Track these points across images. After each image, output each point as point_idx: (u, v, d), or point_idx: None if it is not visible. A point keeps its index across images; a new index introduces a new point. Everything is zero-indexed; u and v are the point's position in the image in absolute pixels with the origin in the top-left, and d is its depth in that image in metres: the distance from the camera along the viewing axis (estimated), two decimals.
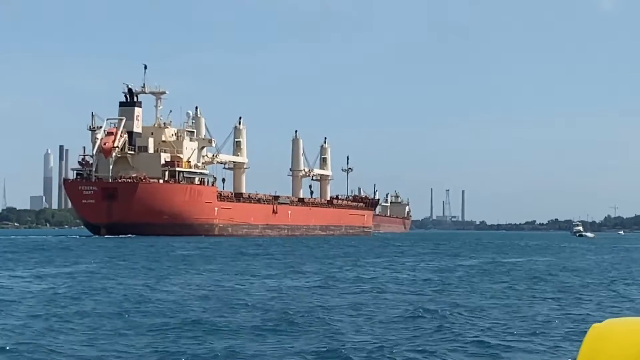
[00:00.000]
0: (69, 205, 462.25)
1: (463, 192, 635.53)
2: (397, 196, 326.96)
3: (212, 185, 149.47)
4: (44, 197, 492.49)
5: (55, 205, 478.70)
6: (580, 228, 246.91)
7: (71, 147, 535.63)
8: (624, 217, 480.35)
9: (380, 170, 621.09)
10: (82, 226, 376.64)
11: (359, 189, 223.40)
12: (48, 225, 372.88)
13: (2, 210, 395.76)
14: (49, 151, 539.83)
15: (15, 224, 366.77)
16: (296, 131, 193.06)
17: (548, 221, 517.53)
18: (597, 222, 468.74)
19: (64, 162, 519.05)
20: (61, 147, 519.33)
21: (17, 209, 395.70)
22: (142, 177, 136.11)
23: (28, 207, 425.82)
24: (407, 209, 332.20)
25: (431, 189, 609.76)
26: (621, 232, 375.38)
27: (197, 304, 29.71)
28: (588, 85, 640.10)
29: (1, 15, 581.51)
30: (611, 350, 3.06)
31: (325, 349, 19.60)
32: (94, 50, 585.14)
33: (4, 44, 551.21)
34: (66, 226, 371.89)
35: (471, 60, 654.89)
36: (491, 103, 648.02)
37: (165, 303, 29.86)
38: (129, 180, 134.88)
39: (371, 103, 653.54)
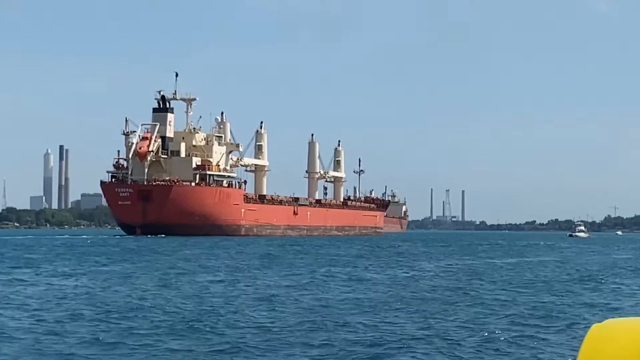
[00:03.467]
0: (69, 205, 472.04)
1: (463, 192, 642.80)
2: (393, 196, 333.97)
3: (239, 187, 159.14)
4: (44, 197, 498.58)
5: (55, 206, 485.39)
6: (583, 228, 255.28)
7: (71, 147, 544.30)
8: (624, 217, 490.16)
9: (379, 170, 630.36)
10: (83, 226, 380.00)
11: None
12: (48, 225, 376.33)
13: (2, 210, 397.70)
14: (49, 151, 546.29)
15: (16, 224, 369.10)
16: (312, 134, 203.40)
17: (548, 221, 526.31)
18: (597, 222, 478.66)
19: (64, 162, 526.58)
20: (61, 147, 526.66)
21: (17, 209, 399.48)
22: (175, 180, 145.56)
23: (28, 207, 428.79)
24: (404, 208, 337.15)
25: (431, 189, 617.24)
26: (619, 233, 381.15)
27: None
28: (588, 85, 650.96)
29: (2, 15, 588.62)
30: (611, 350, 3.11)
31: None
32: (95, 50, 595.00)
33: (4, 44, 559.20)
34: (66, 226, 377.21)
35: (470, 61, 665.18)
36: (491, 103, 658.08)
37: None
38: (163, 183, 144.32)
39: (370, 104, 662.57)
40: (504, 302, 33.45)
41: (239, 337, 23.17)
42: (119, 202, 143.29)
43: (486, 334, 23.96)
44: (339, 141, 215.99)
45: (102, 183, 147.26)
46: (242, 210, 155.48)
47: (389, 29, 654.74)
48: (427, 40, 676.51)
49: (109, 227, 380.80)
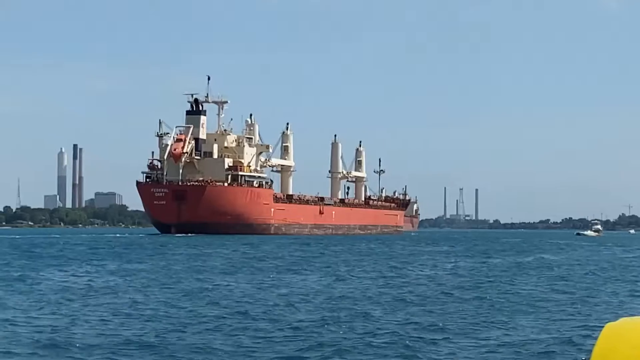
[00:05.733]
0: (83, 204, 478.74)
1: (477, 190, 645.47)
2: (404, 194, 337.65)
3: (269, 187, 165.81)
4: (57, 196, 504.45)
5: (69, 204, 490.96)
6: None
7: (85, 146, 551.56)
8: (639, 216, 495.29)
9: (392, 169, 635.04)
10: (96, 225, 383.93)
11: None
12: (62, 224, 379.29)
13: (17, 209, 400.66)
14: (63, 150, 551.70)
15: (30, 222, 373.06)
16: (335, 135, 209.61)
17: (562, 220, 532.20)
18: (612, 220, 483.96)
19: (77, 161, 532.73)
20: (75, 145, 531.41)
21: (32, 207, 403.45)
22: (209, 181, 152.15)
23: (42, 206, 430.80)
24: (415, 207, 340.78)
25: (444, 187, 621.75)
26: (632, 231, 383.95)
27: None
28: (602, 82, 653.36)
29: (16, 16, 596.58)
30: (625, 349, 3.15)
31: None
32: (112, 51, 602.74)
33: (18, 44, 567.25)
34: (80, 225, 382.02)
35: (483, 60, 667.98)
36: (505, 102, 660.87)
37: None
38: (197, 183, 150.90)
39: (385, 104, 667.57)
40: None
41: None
42: (154, 202, 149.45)
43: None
44: (360, 142, 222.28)
45: (138, 183, 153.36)
46: (272, 209, 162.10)
47: (398, 26, 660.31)
48: (440, 38, 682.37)
49: (123, 225, 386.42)
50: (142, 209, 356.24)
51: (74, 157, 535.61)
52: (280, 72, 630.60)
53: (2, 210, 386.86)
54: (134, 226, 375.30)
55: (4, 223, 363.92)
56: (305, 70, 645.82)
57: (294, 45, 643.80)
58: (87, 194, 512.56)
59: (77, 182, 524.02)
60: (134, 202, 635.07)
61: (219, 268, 56.01)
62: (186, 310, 30.84)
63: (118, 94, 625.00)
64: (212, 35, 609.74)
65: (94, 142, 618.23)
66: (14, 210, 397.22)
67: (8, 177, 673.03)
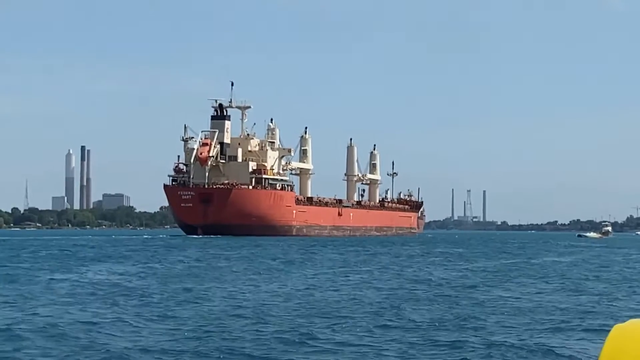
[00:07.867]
0: (91, 205, 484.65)
1: (484, 192, 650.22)
2: (410, 195, 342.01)
3: (291, 190, 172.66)
4: (65, 198, 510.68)
5: (77, 206, 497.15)
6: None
7: (93, 148, 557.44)
8: None
9: (399, 170, 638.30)
10: (104, 226, 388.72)
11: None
12: (70, 225, 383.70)
13: (25, 210, 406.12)
14: (71, 151, 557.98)
15: (38, 224, 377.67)
16: (351, 139, 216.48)
17: (570, 221, 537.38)
18: (620, 222, 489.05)
19: (85, 163, 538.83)
20: (83, 147, 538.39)
21: (40, 209, 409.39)
22: (234, 184, 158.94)
23: (50, 208, 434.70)
24: (420, 208, 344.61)
25: (452, 189, 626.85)
26: (638, 233, 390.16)
27: None
28: (610, 83, 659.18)
29: (28, 15, 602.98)
30: (633, 350, 3.19)
31: None
32: (112, 52, 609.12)
33: (26, 45, 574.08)
34: (88, 226, 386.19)
35: (490, 61, 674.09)
36: (512, 103, 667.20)
37: None
38: (222, 186, 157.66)
39: (392, 105, 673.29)
40: None
41: None
42: (182, 204, 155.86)
43: None
44: (374, 145, 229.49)
45: (166, 186, 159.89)
46: (294, 211, 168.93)
47: (408, 30, 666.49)
48: (446, 39, 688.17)
49: (131, 227, 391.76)
50: (150, 211, 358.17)
51: (82, 159, 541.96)
52: (291, 75, 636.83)
53: (9, 211, 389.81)
54: (141, 227, 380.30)
55: (11, 225, 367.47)
56: (317, 73, 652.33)
57: (298, 46, 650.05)
58: (95, 196, 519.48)
59: (84, 183, 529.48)
60: (142, 203, 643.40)
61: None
62: None
63: (125, 95, 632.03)
64: (216, 36, 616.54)
65: (101, 144, 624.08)
66: (21, 212, 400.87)
67: (16, 179, 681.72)
